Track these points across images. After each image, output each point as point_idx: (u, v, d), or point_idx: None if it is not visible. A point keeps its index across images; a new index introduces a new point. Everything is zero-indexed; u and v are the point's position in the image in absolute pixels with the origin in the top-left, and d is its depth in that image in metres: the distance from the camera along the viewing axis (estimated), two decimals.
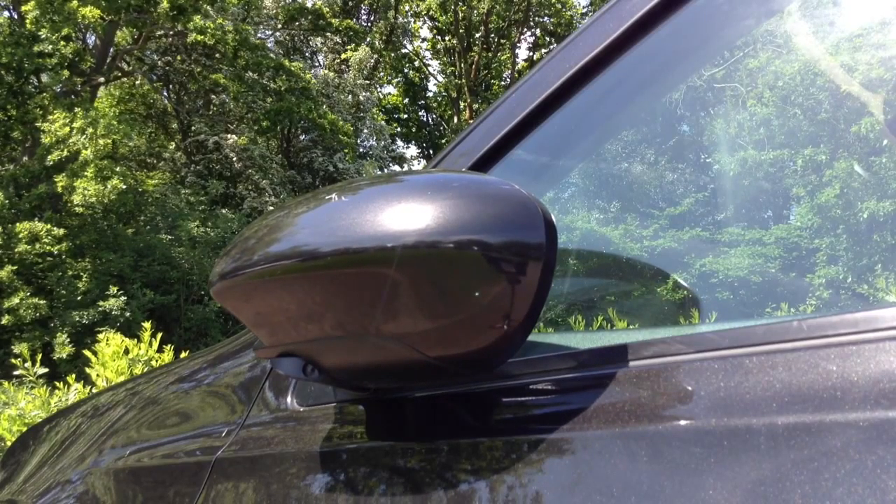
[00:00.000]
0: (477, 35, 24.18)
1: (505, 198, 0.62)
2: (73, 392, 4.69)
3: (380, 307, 0.64)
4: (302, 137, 19.11)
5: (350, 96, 19.12)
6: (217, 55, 15.71)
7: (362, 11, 22.65)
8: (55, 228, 12.46)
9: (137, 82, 17.67)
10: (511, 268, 0.60)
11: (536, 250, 0.60)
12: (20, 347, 9.03)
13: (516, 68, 24.59)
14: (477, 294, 0.61)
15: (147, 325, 4.87)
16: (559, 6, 22.83)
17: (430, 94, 26.54)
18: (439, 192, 0.62)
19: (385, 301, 0.63)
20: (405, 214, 0.61)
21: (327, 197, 0.70)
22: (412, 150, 26.48)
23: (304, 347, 0.73)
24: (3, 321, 11.66)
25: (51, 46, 12.38)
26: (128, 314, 12.21)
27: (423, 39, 25.54)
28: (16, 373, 5.00)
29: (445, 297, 0.62)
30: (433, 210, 0.61)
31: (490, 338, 0.63)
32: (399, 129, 25.52)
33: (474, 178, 0.66)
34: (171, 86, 18.54)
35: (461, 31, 23.57)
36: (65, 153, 12.57)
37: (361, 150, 20.30)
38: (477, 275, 0.60)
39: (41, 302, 11.89)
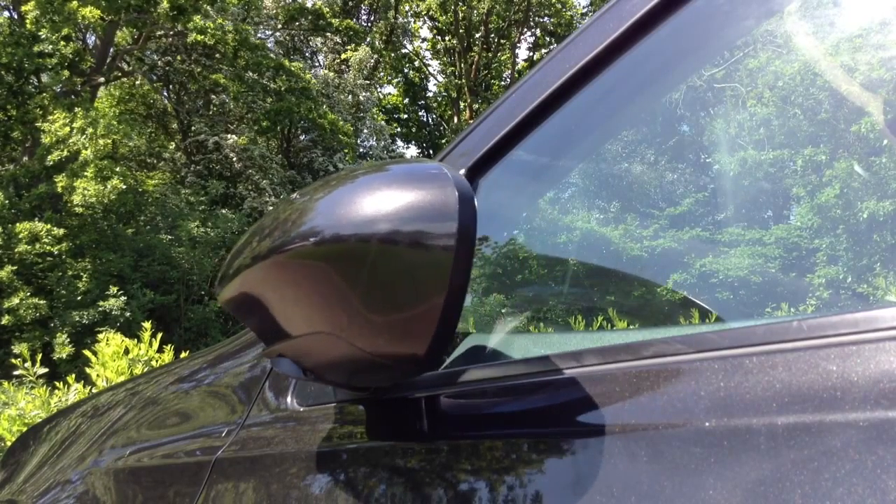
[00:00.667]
0: (477, 35, 24.17)
1: (418, 182, 0.61)
2: (73, 392, 4.69)
3: (312, 303, 0.65)
4: (302, 137, 19.10)
5: (350, 96, 19.11)
6: (217, 55, 15.70)
7: (362, 11, 22.65)
8: (55, 228, 12.46)
9: (137, 82, 17.66)
10: (417, 256, 0.59)
11: (445, 238, 0.58)
12: (20, 347, 9.02)
13: (516, 68, 24.58)
14: (386, 286, 0.61)
15: (147, 325, 4.87)
16: (559, 6, 22.82)
17: (430, 94, 26.55)
18: (358, 187, 0.64)
19: (314, 297, 0.65)
20: (326, 211, 0.64)
21: (292, 196, 0.73)
22: (412, 150, 26.48)
23: (287, 346, 0.74)
24: (3, 321, 11.66)
25: (51, 46, 12.38)
26: (128, 314, 12.21)
27: (423, 39, 25.55)
28: (16, 373, 5.00)
29: (359, 291, 0.62)
30: (346, 205, 0.63)
31: (410, 330, 0.62)
32: (399, 129, 25.51)
33: (392, 167, 0.66)
34: (171, 86, 18.53)
35: (461, 31, 23.57)
36: (65, 153, 12.56)
37: (361, 150, 20.30)
38: (384, 267, 0.61)
39: (41, 302, 11.89)
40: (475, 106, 23.44)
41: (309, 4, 18.80)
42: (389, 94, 25.88)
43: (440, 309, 0.60)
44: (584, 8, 23.63)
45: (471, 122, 1.26)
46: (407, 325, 0.62)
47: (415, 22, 24.48)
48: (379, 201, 0.61)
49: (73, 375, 5.46)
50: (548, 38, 23.79)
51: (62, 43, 12.63)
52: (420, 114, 26.56)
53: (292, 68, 16.16)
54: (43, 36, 12.31)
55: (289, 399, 0.95)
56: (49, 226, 12.43)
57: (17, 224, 12.24)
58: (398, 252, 0.60)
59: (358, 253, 0.61)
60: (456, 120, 24.40)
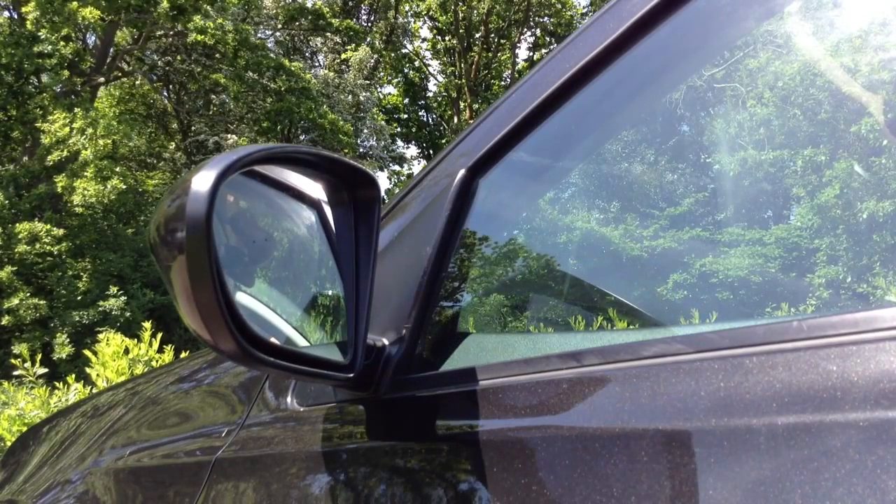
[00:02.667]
0: (477, 35, 24.17)
1: (180, 184, 0.64)
2: (73, 392, 4.69)
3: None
4: (302, 137, 19.09)
5: (350, 96, 19.12)
6: (217, 55, 15.71)
7: (362, 11, 22.66)
8: (55, 229, 12.47)
9: (137, 82, 17.68)
10: (172, 261, 0.63)
11: (179, 238, 0.61)
12: (20, 347, 9.04)
13: (516, 68, 24.57)
14: (178, 289, 0.64)
15: (147, 325, 4.87)
16: (559, 6, 22.82)
17: (430, 94, 26.54)
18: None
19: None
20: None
21: None
22: (412, 150, 26.50)
23: None
24: (3, 321, 11.67)
25: (51, 47, 12.39)
26: (128, 314, 12.22)
27: (423, 39, 25.55)
28: (16, 373, 5.01)
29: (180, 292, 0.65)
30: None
31: (207, 328, 0.65)
32: (399, 129, 25.50)
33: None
34: (171, 86, 18.54)
35: (461, 31, 23.56)
36: (65, 153, 12.57)
37: (361, 150, 20.30)
38: (166, 270, 0.64)
39: (41, 302, 11.89)
40: (475, 106, 23.43)
41: (309, 4, 18.82)
42: (389, 94, 25.89)
43: (196, 307, 0.63)
44: (584, 8, 23.64)
45: (471, 122, 1.26)
46: (199, 323, 0.65)
47: (415, 22, 24.50)
48: (160, 205, 0.66)
49: (73, 375, 5.46)
50: (548, 38, 23.79)
51: (62, 43, 12.64)
52: (420, 114, 26.56)
53: (292, 68, 16.17)
54: (43, 36, 12.32)
55: (289, 399, 0.95)
56: (49, 226, 12.44)
57: (17, 224, 12.25)
58: (161, 254, 0.64)
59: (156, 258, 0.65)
60: (456, 120, 24.39)
